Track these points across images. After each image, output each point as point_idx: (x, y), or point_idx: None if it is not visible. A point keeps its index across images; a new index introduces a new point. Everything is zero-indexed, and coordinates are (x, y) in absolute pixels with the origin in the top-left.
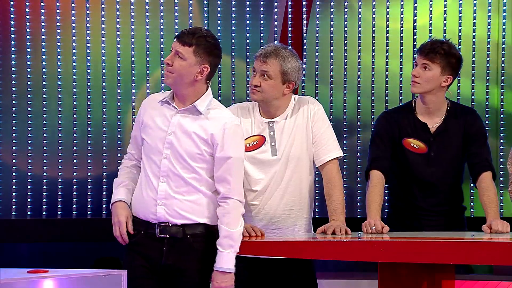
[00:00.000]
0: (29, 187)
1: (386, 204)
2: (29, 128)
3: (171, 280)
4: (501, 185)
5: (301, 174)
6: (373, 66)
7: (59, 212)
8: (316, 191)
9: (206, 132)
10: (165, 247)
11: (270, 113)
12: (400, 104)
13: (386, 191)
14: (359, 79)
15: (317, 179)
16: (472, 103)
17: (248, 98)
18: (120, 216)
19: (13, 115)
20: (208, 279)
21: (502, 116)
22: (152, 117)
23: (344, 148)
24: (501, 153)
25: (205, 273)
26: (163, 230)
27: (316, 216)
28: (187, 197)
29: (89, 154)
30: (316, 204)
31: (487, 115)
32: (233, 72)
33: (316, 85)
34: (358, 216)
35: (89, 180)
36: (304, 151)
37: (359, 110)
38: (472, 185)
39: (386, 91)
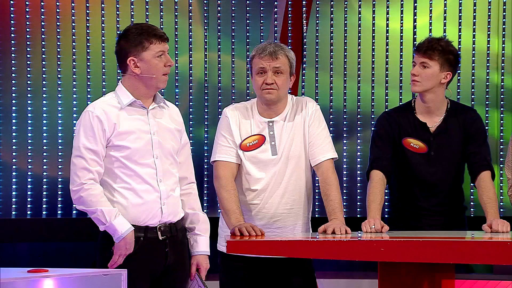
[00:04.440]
0: (29, 187)
1: (386, 203)
2: (29, 128)
3: (168, 278)
4: (501, 184)
5: (300, 173)
6: (373, 66)
7: (59, 212)
8: (316, 191)
9: (177, 122)
10: (167, 247)
11: (270, 113)
12: (400, 104)
13: (386, 191)
14: (359, 78)
15: (316, 178)
16: (472, 100)
17: (248, 97)
18: (131, 248)
19: (13, 115)
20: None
21: (502, 115)
22: (125, 123)
23: (344, 148)
24: (501, 153)
25: (188, 265)
26: (164, 231)
27: (316, 216)
28: (176, 192)
29: None
30: (316, 203)
31: (486, 115)
32: (233, 72)
33: (316, 85)
34: (358, 216)
35: None
36: (303, 150)
37: (359, 110)
38: (472, 184)
39: (386, 91)
